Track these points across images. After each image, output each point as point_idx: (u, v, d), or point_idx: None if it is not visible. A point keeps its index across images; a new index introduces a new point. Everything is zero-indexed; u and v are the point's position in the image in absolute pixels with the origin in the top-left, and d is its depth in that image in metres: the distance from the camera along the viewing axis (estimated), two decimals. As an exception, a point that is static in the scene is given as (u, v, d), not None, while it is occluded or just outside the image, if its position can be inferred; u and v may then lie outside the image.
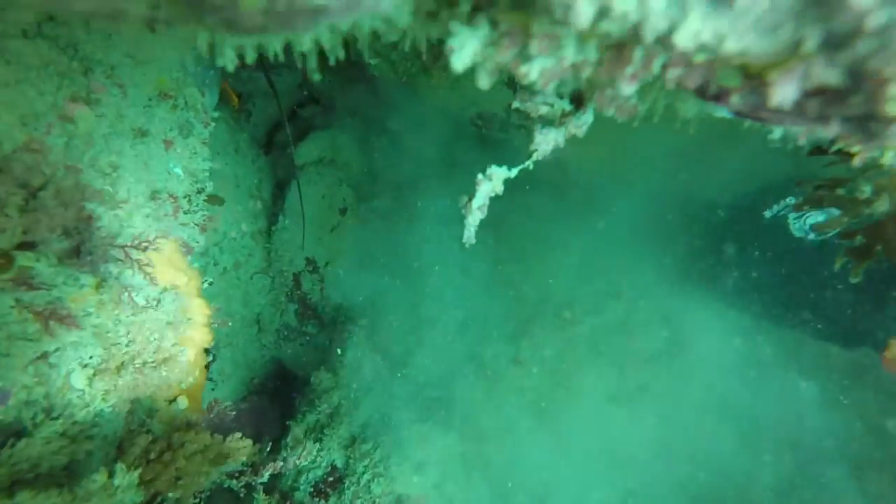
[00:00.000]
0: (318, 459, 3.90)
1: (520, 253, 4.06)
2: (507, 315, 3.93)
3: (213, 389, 4.53)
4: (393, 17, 0.70)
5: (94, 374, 1.86)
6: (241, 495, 2.54)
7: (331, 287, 5.32)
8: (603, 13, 0.54)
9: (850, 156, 1.31)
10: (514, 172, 1.29)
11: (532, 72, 0.67)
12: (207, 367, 2.96)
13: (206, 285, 2.86)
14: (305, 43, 0.86)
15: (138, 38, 2.24)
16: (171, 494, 2.18)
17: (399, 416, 3.71)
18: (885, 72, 0.56)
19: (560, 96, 1.24)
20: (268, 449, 2.87)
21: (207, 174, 2.61)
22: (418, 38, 0.83)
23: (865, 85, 0.60)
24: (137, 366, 2.02)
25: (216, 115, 2.85)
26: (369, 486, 3.62)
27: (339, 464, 3.85)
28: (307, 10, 0.55)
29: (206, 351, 2.74)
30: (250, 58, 1.07)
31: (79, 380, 1.82)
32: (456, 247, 4.45)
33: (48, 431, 1.57)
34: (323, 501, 3.81)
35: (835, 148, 1.30)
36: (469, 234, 1.33)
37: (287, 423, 4.19)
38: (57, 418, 1.68)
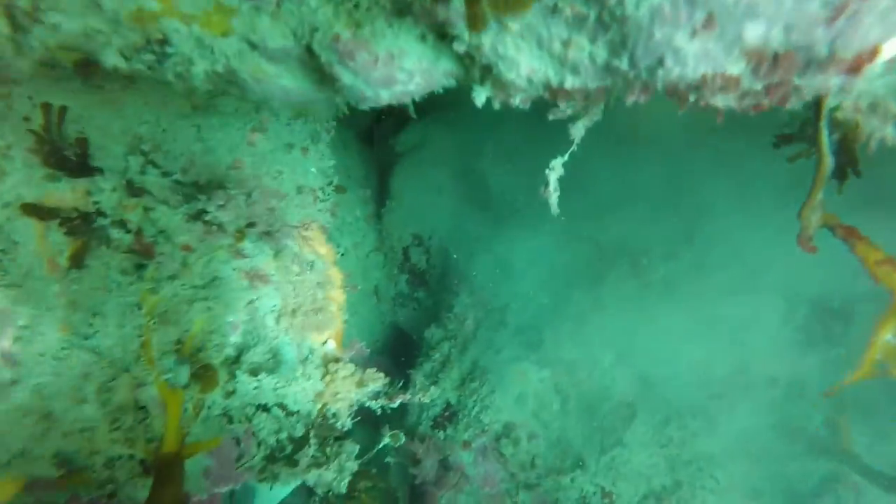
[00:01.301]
0: (436, 399, 4.70)
1: (594, 209, 4.53)
2: (587, 266, 4.44)
3: (344, 351, 5.45)
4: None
5: (279, 317, 2.71)
6: (378, 414, 3.31)
7: (436, 257, 6.09)
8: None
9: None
10: (566, 157, 1.87)
11: (516, 101, 1.24)
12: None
13: (339, 256, 3.69)
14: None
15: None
16: (333, 406, 3.02)
17: (499, 357, 4.39)
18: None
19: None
20: (399, 385, 3.66)
21: (333, 169, 3.41)
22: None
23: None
24: (304, 311, 2.86)
25: (334, 123, 3.64)
26: (479, 417, 4.34)
27: (452, 401, 4.62)
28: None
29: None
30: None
31: (270, 320, 2.67)
32: (540, 215, 5.00)
33: (260, 349, 2.42)
34: (441, 432, 4.61)
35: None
36: (553, 206, 1.93)
37: (408, 371, 5.03)
38: (259, 344, 2.53)
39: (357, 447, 2.62)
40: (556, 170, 1.78)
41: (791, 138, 1.80)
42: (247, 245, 2.39)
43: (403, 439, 2.98)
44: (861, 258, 1.53)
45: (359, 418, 3.12)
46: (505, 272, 4.82)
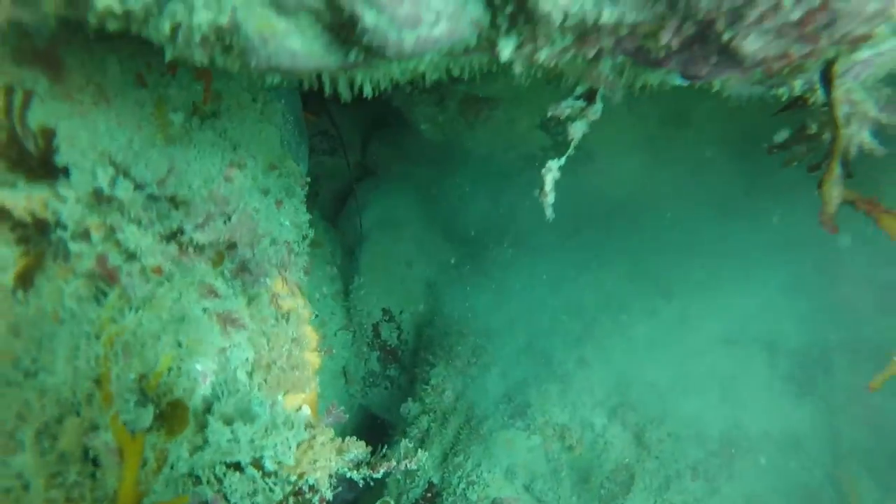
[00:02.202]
0: (416, 479, 4.29)
1: (574, 271, 4.51)
2: (567, 326, 4.32)
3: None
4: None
5: (252, 371, 2.44)
6: (360, 485, 2.96)
7: (407, 332, 5.86)
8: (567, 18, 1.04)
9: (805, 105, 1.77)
10: (562, 161, 1.83)
11: (542, 56, 1.20)
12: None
13: (314, 317, 3.46)
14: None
15: (254, 126, 2.99)
16: (311, 476, 2.67)
17: (484, 427, 4.09)
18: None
19: (576, 98, 1.80)
20: (382, 454, 3.32)
21: (307, 224, 3.28)
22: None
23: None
24: (279, 366, 2.59)
25: (309, 179, 3.57)
26: (465, 494, 3.96)
27: (435, 481, 4.22)
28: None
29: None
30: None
31: (242, 374, 2.40)
32: (515, 278, 4.95)
33: (232, 401, 2.13)
34: (425, 516, 4.15)
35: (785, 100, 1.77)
36: (549, 213, 1.85)
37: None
38: (230, 398, 2.25)
39: (342, 516, 2.27)
40: (552, 171, 1.72)
41: (787, 144, 1.83)
42: (219, 284, 2.18)
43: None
44: (888, 231, 1.50)
45: (339, 489, 2.76)
46: (483, 338, 4.64)
